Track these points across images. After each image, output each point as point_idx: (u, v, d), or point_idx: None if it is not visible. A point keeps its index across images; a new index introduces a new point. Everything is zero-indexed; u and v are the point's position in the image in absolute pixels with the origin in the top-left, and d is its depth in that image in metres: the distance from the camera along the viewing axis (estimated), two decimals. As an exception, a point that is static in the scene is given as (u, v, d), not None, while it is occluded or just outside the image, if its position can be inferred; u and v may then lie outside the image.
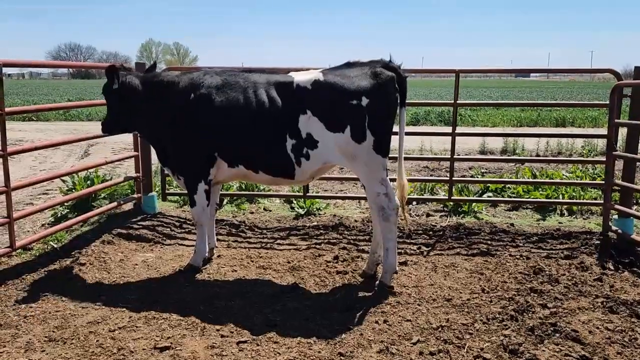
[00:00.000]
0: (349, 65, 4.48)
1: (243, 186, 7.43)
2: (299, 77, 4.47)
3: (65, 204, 6.31)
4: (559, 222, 6.36)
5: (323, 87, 4.33)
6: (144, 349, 3.43)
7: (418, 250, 5.43)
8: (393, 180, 4.60)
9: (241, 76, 4.62)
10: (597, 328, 3.67)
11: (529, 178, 8.16)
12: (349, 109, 4.26)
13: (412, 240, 5.74)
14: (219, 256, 5.22)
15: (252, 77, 4.59)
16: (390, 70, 4.34)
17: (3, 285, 4.40)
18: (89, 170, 6.82)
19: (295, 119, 4.38)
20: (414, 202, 7.18)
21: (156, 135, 4.84)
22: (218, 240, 5.54)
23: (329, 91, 4.31)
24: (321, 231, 6.02)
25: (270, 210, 6.90)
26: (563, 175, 8.40)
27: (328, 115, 4.33)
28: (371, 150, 4.29)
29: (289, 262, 5.03)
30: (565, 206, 6.81)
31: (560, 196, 7.18)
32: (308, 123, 4.36)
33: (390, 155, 4.48)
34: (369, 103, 4.25)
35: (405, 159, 9.32)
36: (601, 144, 11.81)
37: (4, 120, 4.51)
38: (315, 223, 6.27)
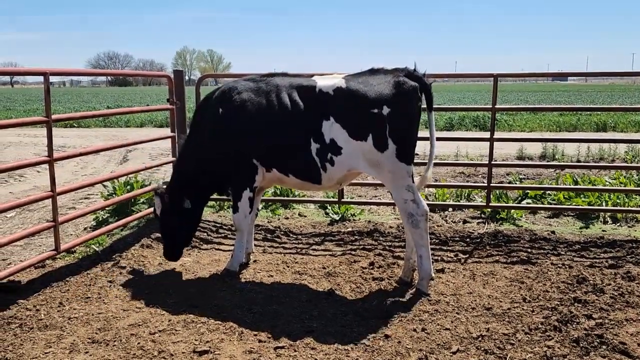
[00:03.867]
0: (372, 72, 4.46)
1: (278, 192, 7.48)
2: (321, 82, 4.48)
3: (106, 208, 6.48)
4: (603, 230, 6.15)
5: (345, 94, 4.33)
6: (183, 353, 3.47)
7: (455, 258, 5.34)
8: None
9: (264, 81, 4.69)
10: (647, 341, 3.53)
11: (570, 184, 7.94)
12: (370, 117, 4.24)
13: (448, 247, 5.65)
14: (255, 261, 5.25)
15: (275, 81, 4.65)
16: (414, 79, 4.30)
17: (48, 287, 4.53)
18: (129, 176, 6.99)
19: (318, 123, 4.40)
20: (450, 209, 7.08)
21: (204, 170, 4.88)
22: (254, 245, 5.57)
23: (350, 99, 4.31)
24: (356, 237, 6.00)
25: (305, 216, 6.91)
26: (606, 181, 8.13)
27: (350, 123, 4.32)
28: (394, 158, 4.26)
29: (324, 268, 5.03)
30: (609, 213, 6.59)
31: (604, 203, 6.94)
32: (331, 129, 4.37)
33: (423, 161, 4.45)
34: (390, 112, 4.22)
35: (441, 164, 9.24)
36: (645, 149, 11.40)
37: (51, 127, 4.67)
38: (350, 229, 6.25)
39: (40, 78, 4.62)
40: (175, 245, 4.98)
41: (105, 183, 7.00)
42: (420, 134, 4.64)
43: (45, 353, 3.50)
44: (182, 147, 5.08)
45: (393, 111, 4.22)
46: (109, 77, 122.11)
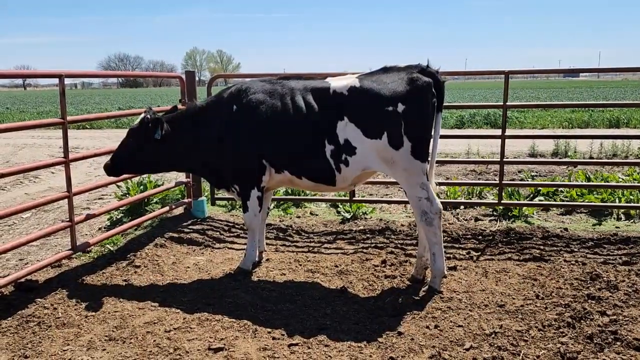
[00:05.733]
0: (385, 70, 4.47)
1: (289, 191, 7.51)
2: (335, 83, 4.50)
3: (120, 208, 6.56)
4: (616, 227, 6.11)
5: (359, 93, 4.34)
6: (198, 350, 3.52)
7: (467, 255, 5.34)
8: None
9: (279, 83, 4.70)
10: (662, 337, 3.51)
11: (582, 181, 7.88)
12: (385, 115, 4.25)
13: (460, 245, 5.65)
14: (267, 260, 5.29)
15: (290, 84, 4.66)
16: (428, 75, 4.30)
17: (65, 287, 4.60)
18: (142, 176, 7.06)
19: (333, 124, 4.41)
20: (462, 207, 7.07)
21: (204, 161, 4.92)
22: (266, 244, 5.63)
23: (365, 97, 4.31)
24: (368, 235, 6.01)
25: (317, 215, 6.94)
26: (619, 178, 8.07)
27: (365, 122, 4.33)
28: (409, 155, 4.26)
29: (336, 266, 5.05)
30: (622, 210, 6.54)
31: (617, 200, 6.90)
32: (346, 129, 4.38)
33: (437, 159, 4.43)
34: (405, 109, 4.22)
35: (453, 162, 9.23)
36: (659, 145, 11.29)
37: (66, 129, 4.74)
38: (361, 227, 6.27)
39: (52, 80, 4.70)
40: (119, 163, 4.98)
41: (119, 183, 7.07)
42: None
43: (64, 350, 3.56)
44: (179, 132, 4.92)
45: (408, 108, 4.23)
46: (120, 79, 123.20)
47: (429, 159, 4.40)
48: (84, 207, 7.85)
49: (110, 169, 5.01)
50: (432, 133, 4.42)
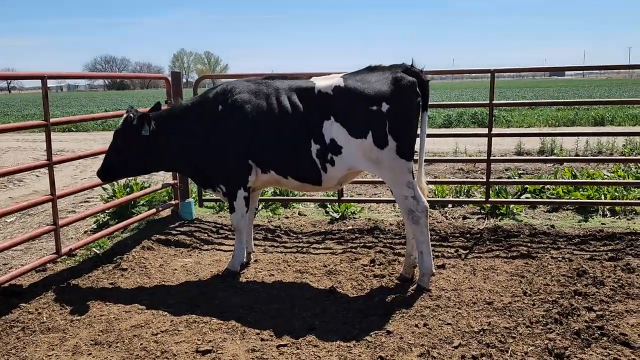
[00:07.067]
0: (370, 69, 4.47)
1: (277, 191, 7.49)
2: (320, 83, 4.49)
3: (107, 211, 6.49)
4: (602, 223, 6.17)
5: (344, 92, 4.34)
6: (186, 352, 3.49)
7: (455, 253, 5.36)
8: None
9: (264, 83, 4.68)
10: (647, 332, 3.54)
11: (569, 178, 7.96)
12: (369, 114, 4.25)
13: (449, 243, 5.67)
14: (256, 261, 5.27)
15: (275, 84, 4.64)
16: (412, 75, 4.31)
17: (50, 291, 4.54)
18: (128, 178, 6.99)
19: (319, 124, 4.40)
20: (450, 205, 7.09)
21: (190, 160, 4.86)
22: (255, 245, 5.60)
23: (350, 97, 4.31)
24: (357, 235, 6.01)
25: (305, 215, 6.92)
26: (604, 175, 8.15)
27: (350, 121, 4.33)
28: (394, 155, 4.27)
29: (325, 266, 5.04)
30: (607, 207, 6.61)
31: (603, 196, 6.96)
32: (331, 129, 4.37)
33: (425, 158, 4.44)
34: (390, 109, 4.23)
35: (440, 161, 9.27)
36: (643, 142, 11.43)
37: (49, 131, 4.68)
38: (350, 227, 6.26)
39: (37, 83, 4.62)
40: (109, 168, 4.96)
41: (105, 186, 7.00)
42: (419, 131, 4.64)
43: (48, 355, 3.51)
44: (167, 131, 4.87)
45: (392, 107, 4.23)
46: (106, 81, 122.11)
47: (417, 158, 4.40)
48: (69, 210, 7.76)
49: (101, 174, 4.98)
50: (420, 132, 4.43)
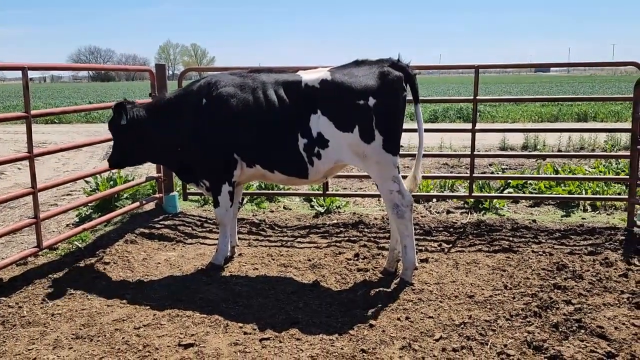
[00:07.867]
0: (357, 63, 4.48)
1: (262, 185, 7.48)
2: (307, 76, 4.48)
3: (89, 204, 6.43)
4: (582, 218, 6.27)
5: (330, 86, 4.34)
6: (168, 346, 3.48)
7: (439, 248, 5.41)
8: (406, 177, 4.60)
9: (249, 77, 4.65)
10: (623, 324, 3.62)
11: (551, 174, 8.06)
12: (356, 108, 4.26)
13: (432, 238, 5.72)
14: (240, 255, 5.26)
15: (260, 77, 4.62)
16: (398, 69, 4.33)
17: (31, 285, 4.49)
18: (112, 171, 6.92)
19: (305, 118, 4.40)
20: (434, 199, 7.15)
21: (172, 154, 4.85)
22: (239, 238, 5.59)
23: (337, 91, 4.32)
24: (341, 229, 6.03)
25: (290, 209, 6.93)
26: (586, 170, 8.27)
27: (336, 115, 4.34)
28: (381, 149, 4.29)
29: (309, 260, 5.05)
30: (588, 202, 6.71)
31: (584, 192, 7.08)
32: (318, 122, 4.38)
33: (409, 152, 4.46)
34: (376, 103, 4.24)
35: (425, 156, 9.30)
36: (625, 138, 11.59)
37: (30, 123, 4.61)
38: (335, 221, 6.28)
39: (20, 74, 4.54)
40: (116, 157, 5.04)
41: (87, 179, 6.93)
42: (406, 125, 4.66)
43: (29, 349, 3.48)
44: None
45: (379, 102, 4.24)
46: (90, 73, 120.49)
47: (414, 152, 4.42)
48: (51, 203, 7.67)
49: (109, 163, 5.14)
50: (417, 125, 4.45)
